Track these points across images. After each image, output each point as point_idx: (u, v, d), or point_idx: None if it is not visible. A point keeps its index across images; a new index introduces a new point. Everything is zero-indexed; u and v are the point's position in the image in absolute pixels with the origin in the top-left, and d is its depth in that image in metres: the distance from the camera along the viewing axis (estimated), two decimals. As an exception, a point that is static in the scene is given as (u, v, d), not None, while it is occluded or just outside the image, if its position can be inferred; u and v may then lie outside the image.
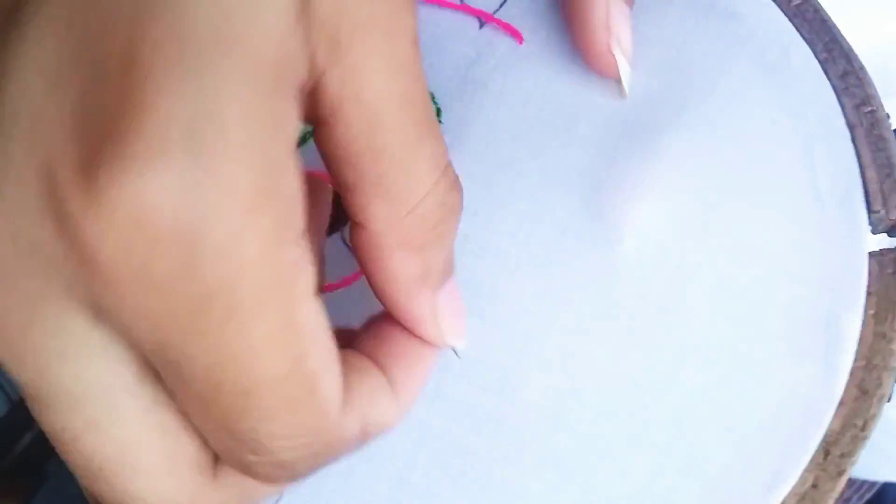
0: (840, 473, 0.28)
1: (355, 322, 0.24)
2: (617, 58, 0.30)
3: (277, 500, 0.30)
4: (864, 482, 0.47)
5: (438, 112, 0.32)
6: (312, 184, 0.19)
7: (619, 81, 0.31)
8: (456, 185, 0.21)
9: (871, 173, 0.29)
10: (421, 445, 0.29)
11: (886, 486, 0.48)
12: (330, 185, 0.24)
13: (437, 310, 0.21)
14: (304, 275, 0.17)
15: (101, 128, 0.15)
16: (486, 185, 0.31)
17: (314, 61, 0.18)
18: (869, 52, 0.31)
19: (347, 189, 0.20)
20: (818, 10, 0.31)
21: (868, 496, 0.47)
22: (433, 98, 0.32)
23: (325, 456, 0.19)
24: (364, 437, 0.21)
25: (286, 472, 0.19)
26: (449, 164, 0.20)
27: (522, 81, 0.32)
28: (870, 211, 0.29)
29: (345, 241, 0.31)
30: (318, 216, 0.23)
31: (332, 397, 0.19)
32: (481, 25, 0.33)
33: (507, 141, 0.31)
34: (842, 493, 0.29)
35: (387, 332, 0.23)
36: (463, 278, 0.30)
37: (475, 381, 0.29)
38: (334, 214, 0.31)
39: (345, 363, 0.20)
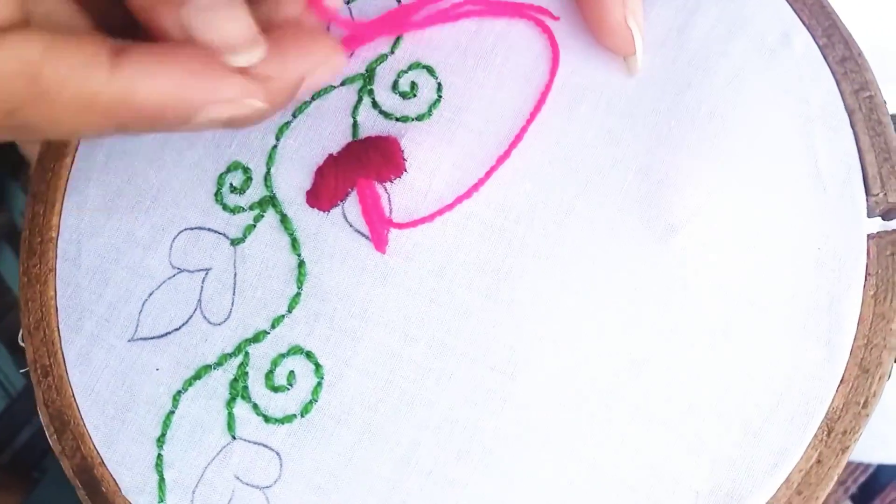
0: (843, 450, 0.28)
1: None
2: (633, 31, 0.30)
3: (277, 478, 0.30)
4: (858, 464, 0.48)
5: (439, 87, 0.32)
6: None
7: (627, 58, 0.31)
8: None
9: (870, 157, 0.30)
10: (426, 425, 0.30)
11: (881, 469, 0.48)
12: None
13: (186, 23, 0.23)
14: None
15: None
16: (487, 163, 0.31)
17: None
18: (868, 38, 0.32)
19: None
20: (817, -4, 0.32)
21: (862, 479, 0.48)
22: (433, 72, 0.32)
23: None
24: (38, 89, 0.21)
25: None
26: None
27: (523, 57, 0.32)
28: (868, 194, 0.30)
29: (345, 217, 0.31)
30: None
31: None
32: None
33: (508, 118, 0.31)
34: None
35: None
36: (468, 257, 0.30)
37: (482, 360, 0.30)
38: (333, 189, 0.31)
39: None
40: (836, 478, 0.28)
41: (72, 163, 0.35)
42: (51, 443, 0.33)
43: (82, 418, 0.33)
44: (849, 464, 0.48)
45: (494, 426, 0.29)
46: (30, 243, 0.35)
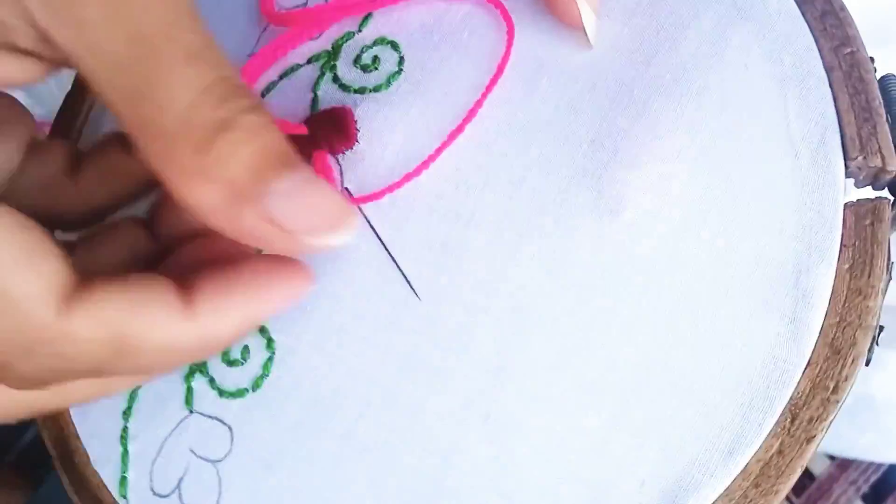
0: (809, 440, 0.25)
1: None
2: (579, 5, 0.29)
3: (228, 452, 0.30)
4: (870, 464, 0.44)
5: (401, 61, 0.31)
6: None
7: (584, 32, 0.30)
8: (239, 103, 0.20)
9: (849, 118, 0.27)
10: (368, 402, 0.29)
11: (893, 468, 0.44)
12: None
13: (273, 216, 0.20)
14: None
15: None
16: (441, 136, 0.30)
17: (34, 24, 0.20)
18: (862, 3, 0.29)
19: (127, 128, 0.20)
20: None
21: (874, 479, 0.44)
22: (397, 47, 0.32)
23: (59, 362, 0.20)
24: (122, 348, 0.21)
25: (23, 382, 0.20)
26: (227, 81, 0.20)
27: (489, 33, 0.31)
28: (847, 158, 0.27)
29: None
30: None
31: (33, 297, 0.19)
32: None
33: (468, 91, 0.30)
34: (847, 474, 0.26)
35: (208, 247, 0.23)
36: (417, 231, 0.29)
37: (427, 335, 0.29)
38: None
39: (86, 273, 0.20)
40: (799, 470, 0.25)
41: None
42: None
43: (62, 391, 0.34)
44: (861, 463, 0.44)
45: (436, 404, 0.28)
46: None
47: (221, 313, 0.22)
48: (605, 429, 0.27)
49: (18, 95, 0.58)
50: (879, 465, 0.44)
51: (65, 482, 0.33)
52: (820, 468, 0.47)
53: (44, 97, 0.56)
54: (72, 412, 0.33)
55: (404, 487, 0.28)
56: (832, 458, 0.43)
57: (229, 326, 0.22)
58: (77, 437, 0.33)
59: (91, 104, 0.38)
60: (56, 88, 0.53)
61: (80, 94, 0.38)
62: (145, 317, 0.21)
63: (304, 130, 0.30)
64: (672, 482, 0.26)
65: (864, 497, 0.44)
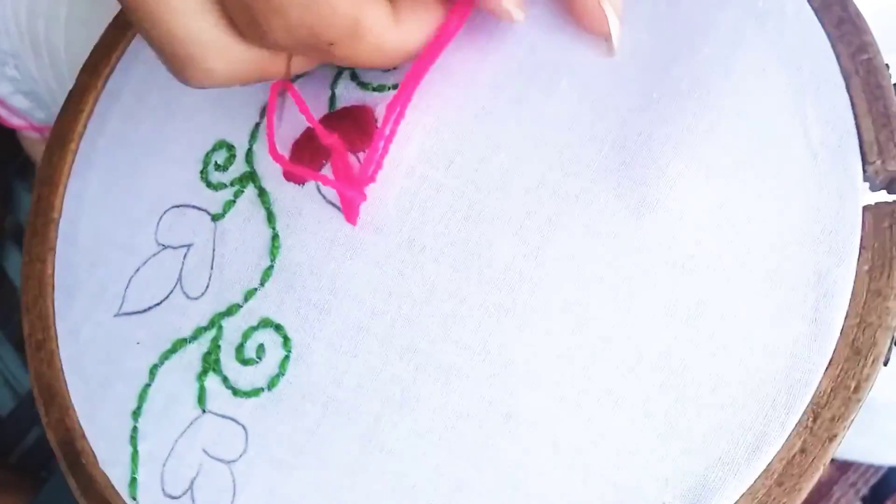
0: (831, 438, 0.26)
1: None
2: (606, 13, 0.29)
3: (242, 452, 0.30)
4: (869, 466, 0.45)
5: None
6: None
7: (607, 39, 0.30)
8: None
9: (867, 123, 0.27)
10: (389, 401, 0.29)
11: (892, 471, 0.45)
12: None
13: None
14: None
15: None
16: (464, 135, 0.30)
17: None
18: (872, 2, 0.30)
19: None
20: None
21: (873, 481, 0.45)
22: None
23: (316, 21, 0.25)
24: (355, 31, 0.26)
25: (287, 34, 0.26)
26: None
27: (508, 36, 0.31)
28: (865, 162, 0.27)
29: (319, 190, 0.31)
30: None
31: None
32: None
33: (486, 89, 0.30)
34: (847, 476, 0.27)
35: None
36: (437, 229, 0.29)
37: (447, 335, 0.29)
38: (308, 161, 0.31)
39: None
40: (822, 469, 0.26)
41: (76, 149, 0.36)
42: (40, 415, 0.34)
43: (68, 391, 0.33)
44: (860, 465, 0.45)
45: (457, 403, 0.28)
46: (33, 224, 0.36)
47: (418, 27, 0.28)
48: (628, 428, 0.27)
49: (18, 97, 0.57)
50: (879, 468, 0.44)
51: (71, 484, 0.32)
52: (819, 470, 0.47)
53: (44, 100, 0.55)
54: (78, 412, 0.33)
55: (426, 487, 0.28)
56: (831, 459, 0.44)
57: (420, 38, 0.28)
58: (84, 437, 0.32)
59: (91, 108, 0.37)
60: (58, 89, 0.52)
61: (80, 96, 0.37)
62: (374, 12, 0.26)
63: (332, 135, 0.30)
64: (697, 481, 0.26)
65: (864, 499, 0.45)
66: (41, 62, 0.51)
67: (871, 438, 0.26)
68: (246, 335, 0.31)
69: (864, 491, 0.45)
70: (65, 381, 0.33)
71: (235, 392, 0.30)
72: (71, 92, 0.38)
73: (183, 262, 0.32)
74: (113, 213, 0.35)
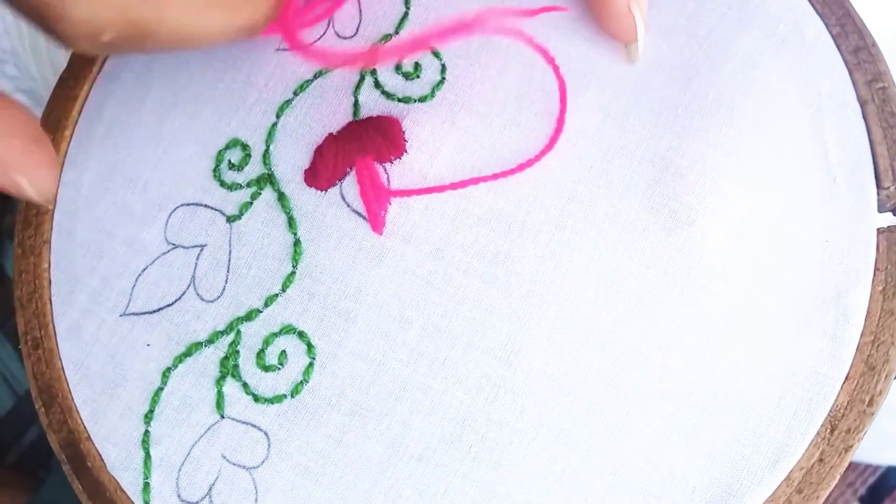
0: (847, 449, 0.27)
1: None
2: (636, 18, 0.29)
3: (265, 459, 0.29)
4: (867, 466, 0.47)
5: (443, 69, 0.31)
6: None
7: (628, 46, 0.30)
8: None
9: (882, 150, 0.29)
10: (417, 409, 0.29)
11: (889, 471, 0.48)
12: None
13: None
14: None
15: None
16: (489, 146, 0.30)
17: None
18: (882, 28, 0.31)
19: None
20: (831, -15, 0.31)
21: (871, 480, 0.47)
22: (437, 54, 0.31)
23: None
24: None
25: None
26: None
27: (528, 49, 0.31)
28: (879, 187, 0.29)
29: (343, 197, 0.31)
30: None
31: None
32: None
33: (512, 100, 0.31)
34: (845, 475, 0.28)
35: None
36: (466, 241, 0.30)
37: (477, 345, 0.29)
38: (332, 168, 0.31)
39: None
40: (838, 477, 0.27)
41: (71, 135, 0.35)
42: (39, 416, 0.33)
43: (70, 392, 0.32)
44: (857, 465, 0.47)
45: (487, 412, 0.29)
46: (26, 215, 0.34)
47: None
48: (656, 437, 0.28)
49: (18, 95, 0.54)
50: (876, 468, 0.47)
51: (76, 488, 0.31)
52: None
53: (43, 99, 0.53)
54: (83, 415, 0.32)
55: (455, 495, 0.28)
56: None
57: None
58: (90, 440, 0.32)
59: (85, 97, 0.36)
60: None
61: (75, 79, 0.36)
62: None
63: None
64: (722, 489, 0.27)
65: (861, 499, 0.47)
66: (41, 61, 0.49)
67: (869, 438, 0.27)
68: (267, 341, 0.30)
69: (862, 491, 0.47)
70: (66, 382, 0.32)
71: (257, 398, 0.30)
72: (64, 73, 0.36)
73: (196, 263, 0.32)
74: (113, 205, 0.33)
